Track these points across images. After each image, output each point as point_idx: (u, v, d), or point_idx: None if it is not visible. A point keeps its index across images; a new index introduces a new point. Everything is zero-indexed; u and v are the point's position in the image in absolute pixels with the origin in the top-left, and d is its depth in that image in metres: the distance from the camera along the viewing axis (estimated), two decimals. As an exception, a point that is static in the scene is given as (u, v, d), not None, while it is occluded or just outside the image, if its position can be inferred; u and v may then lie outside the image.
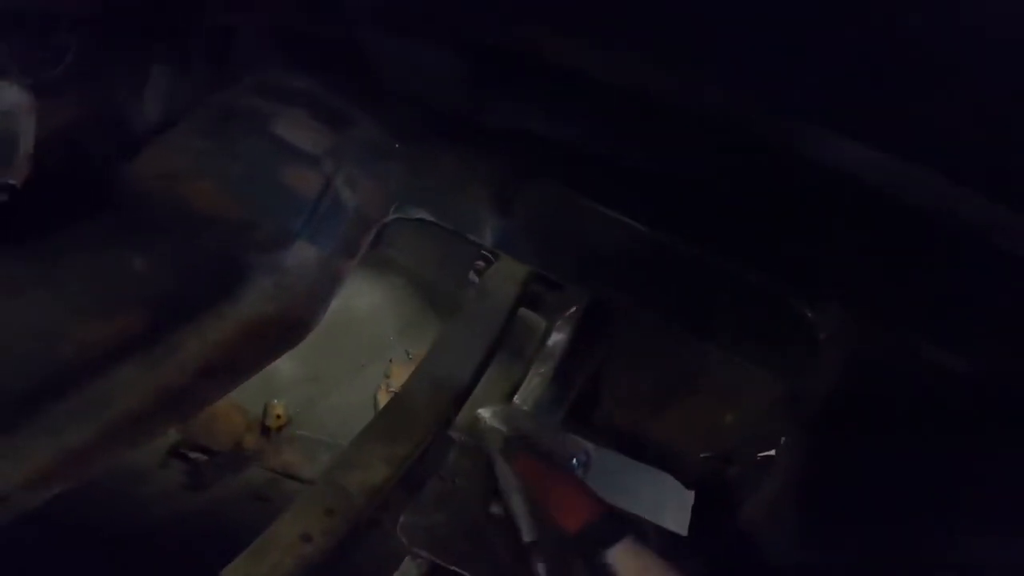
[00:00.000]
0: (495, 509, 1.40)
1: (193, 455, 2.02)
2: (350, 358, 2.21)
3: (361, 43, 1.38)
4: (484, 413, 1.57)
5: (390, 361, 2.26)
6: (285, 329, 1.50)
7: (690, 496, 1.62)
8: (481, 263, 1.89)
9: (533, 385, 1.67)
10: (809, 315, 1.44)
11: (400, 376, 2.22)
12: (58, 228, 1.35)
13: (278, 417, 2.10)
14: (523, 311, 1.89)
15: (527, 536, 1.33)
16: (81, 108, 1.52)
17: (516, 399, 1.66)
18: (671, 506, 1.60)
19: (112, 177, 1.43)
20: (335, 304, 1.62)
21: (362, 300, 2.24)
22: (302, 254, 1.51)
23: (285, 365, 2.03)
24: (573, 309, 1.74)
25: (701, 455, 1.83)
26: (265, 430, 2.09)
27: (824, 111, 1.01)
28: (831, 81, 0.96)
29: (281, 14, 1.46)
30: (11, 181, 1.27)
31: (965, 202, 1.01)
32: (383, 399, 2.17)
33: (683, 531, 1.51)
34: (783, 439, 1.51)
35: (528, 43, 1.16)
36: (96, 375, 1.27)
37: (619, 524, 1.27)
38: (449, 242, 1.72)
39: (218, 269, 1.42)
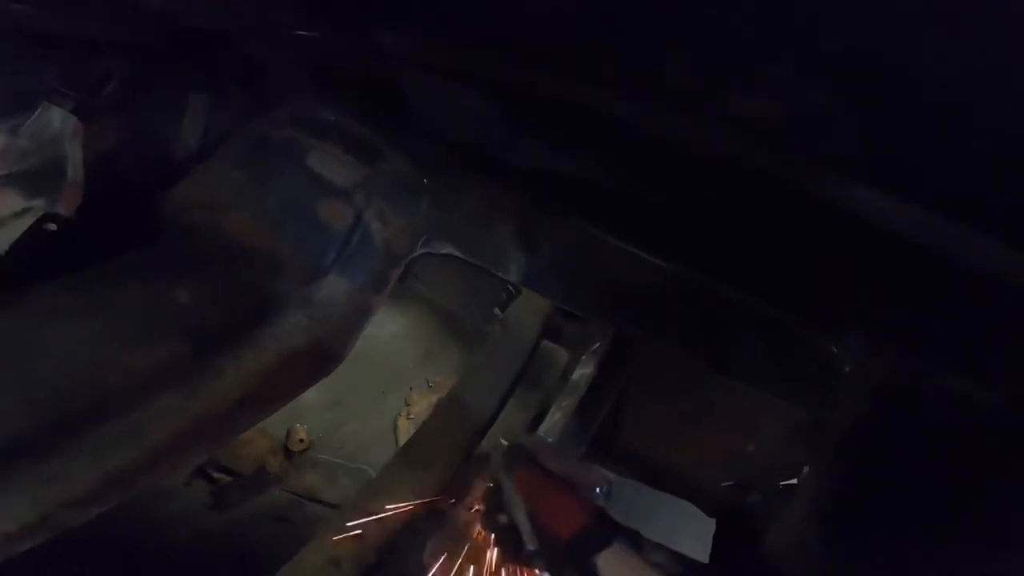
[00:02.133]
0: (501, 519, 1.43)
1: (217, 476, 2.06)
2: (372, 385, 2.25)
3: (395, 81, 1.41)
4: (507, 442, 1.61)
5: (410, 389, 2.30)
6: (317, 360, 1.54)
7: (711, 524, 1.65)
8: (503, 296, 1.92)
9: (556, 418, 1.71)
10: (834, 349, 1.47)
11: (420, 404, 2.27)
12: (105, 256, 1.40)
13: (301, 441, 2.14)
14: (545, 343, 1.93)
15: (529, 545, 1.37)
16: (122, 134, 1.57)
17: (540, 431, 1.69)
18: (692, 534, 1.63)
19: (156, 206, 1.48)
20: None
21: (384, 329, 2.28)
22: (333, 287, 1.56)
23: (308, 391, 2.07)
24: (597, 344, 1.78)
25: (722, 484, 1.85)
26: (288, 453, 2.13)
27: (845, 160, 1.04)
28: (855, 132, 1.00)
29: (317, 53, 1.50)
30: (60, 212, 1.32)
31: (988, 248, 1.04)
32: (403, 426, 2.21)
33: (704, 559, 1.54)
34: (805, 468, 1.53)
35: (560, 88, 1.20)
36: (139, 401, 1.32)
37: (609, 530, 1.30)
38: (471, 274, 1.76)
39: (256, 301, 1.46)
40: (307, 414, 2.16)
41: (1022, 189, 0.93)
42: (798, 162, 1.10)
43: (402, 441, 2.20)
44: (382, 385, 2.26)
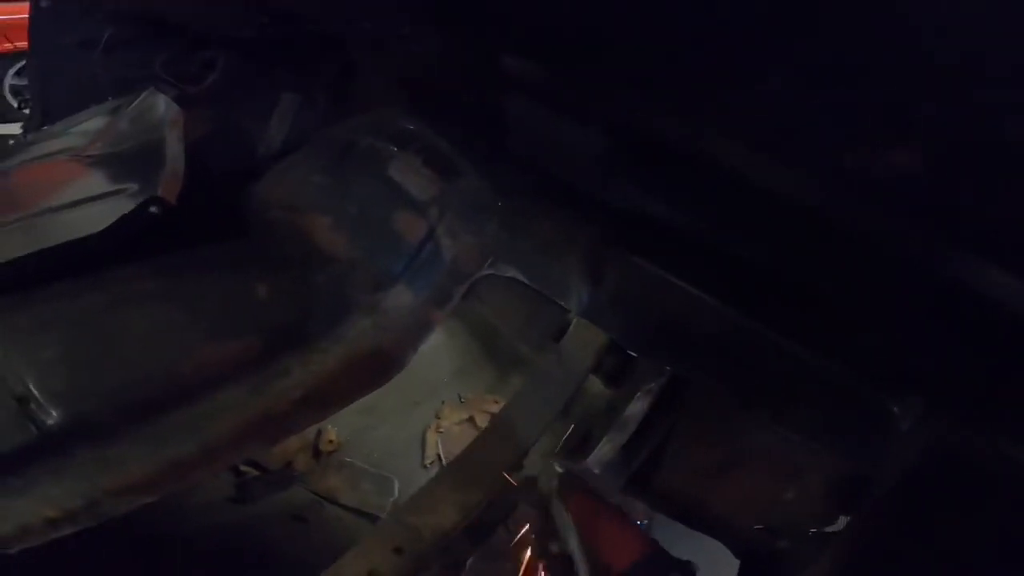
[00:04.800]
0: (553, 548, 1.43)
1: (244, 468, 2.05)
2: (404, 394, 2.25)
3: (501, 106, 1.42)
4: (555, 466, 1.61)
5: (443, 402, 2.30)
6: (378, 367, 1.55)
7: (735, 565, 1.66)
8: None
9: (606, 450, 1.71)
10: (894, 409, 1.47)
11: (450, 418, 2.27)
12: (187, 243, 1.40)
13: (330, 442, 2.13)
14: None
15: (582, 575, 1.36)
16: (214, 125, 1.58)
17: (588, 462, 1.70)
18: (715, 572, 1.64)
19: (240, 200, 1.48)
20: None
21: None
22: (400, 298, 1.56)
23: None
24: (652, 384, 1.79)
25: (754, 527, 1.85)
26: (317, 453, 2.12)
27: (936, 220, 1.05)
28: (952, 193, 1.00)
29: (427, 65, 1.51)
30: (162, 196, 1.32)
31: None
32: (431, 438, 2.21)
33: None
34: (841, 519, 1.53)
35: (668, 132, 1.21)
36: (206, 393, 1.32)
37: (665, 563, 1.30)
38: (531, 300, 1.77)
39: (327, 304, 1.47)
40: (338, 416, 2.15)
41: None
42: (898, 223, 1.11)
43: (429, 453, 2.20)
44: (415, 396, 2.26)
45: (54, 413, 1.21)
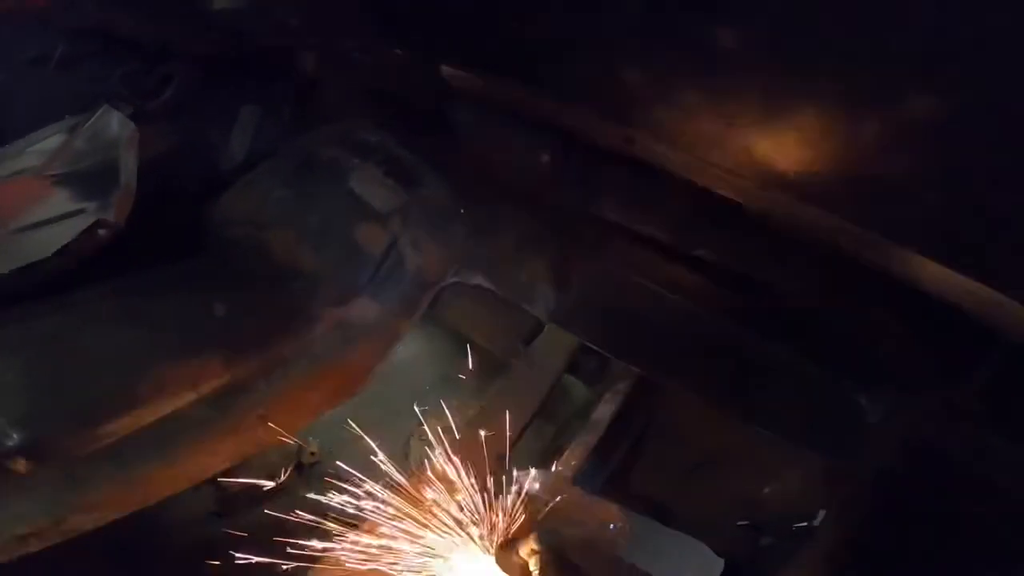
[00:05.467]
0: None
1: (225, 483, 2.05)
2: (387, 404, 2.24)
3: (448, 110, 1.43)
4: (528, 476, 1.60)
5: (425, 411, 2.29)
6: (344, 381, 1.56)
7: (719, 563, 1.65)
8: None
9: (576, 454, 1.71)
10: (862, 401, 1.48)
11: (432, 427, 2.26)
12: (150, 260, 1.41)
13: (312, 454, 2.13)
14: (566, 378, 1.93)
15: None
16: (173, 139, 1.59)
17: (558, 466, 1.70)
18: (699, 572, 1.63)
19: (201, 216, 1.49)
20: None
21: (403, 349, 2.28)
22: (365, 310, 1.57)
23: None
24: (621, 384, 1.79)
25: (736, 524, 1.84)
26: (299, 466, 2.12)
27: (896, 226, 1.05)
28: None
29: (374, 75, 1.52)
30: (113, 220, 1.33)
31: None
32: (415, 447, 2.20)
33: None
34: (822, 513, 1.53)
35: (624, 141, 1.21)
36: (168, 411, 1.33)
37: None
38: (498, 306, 1.77)
39: (290, 319, 1.47)
40: (320, 428, 2.15)
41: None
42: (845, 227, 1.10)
43: (413, 462, 2.19)
44: (397, 405, 2.25)
45: (15, 436, 1.22)
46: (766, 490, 1.79)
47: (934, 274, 1.02)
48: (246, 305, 1.42)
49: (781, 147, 0.99)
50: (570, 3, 0.99)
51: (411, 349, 2.35)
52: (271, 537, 2.09)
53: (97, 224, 1.34)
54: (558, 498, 1.54)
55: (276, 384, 1.43)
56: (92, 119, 1.47)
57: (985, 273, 0.94)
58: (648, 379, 1.76)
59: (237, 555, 1.99)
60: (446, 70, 1.19)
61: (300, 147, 1.64)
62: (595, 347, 1.72)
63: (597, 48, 1.00)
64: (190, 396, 1.34)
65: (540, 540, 1.40)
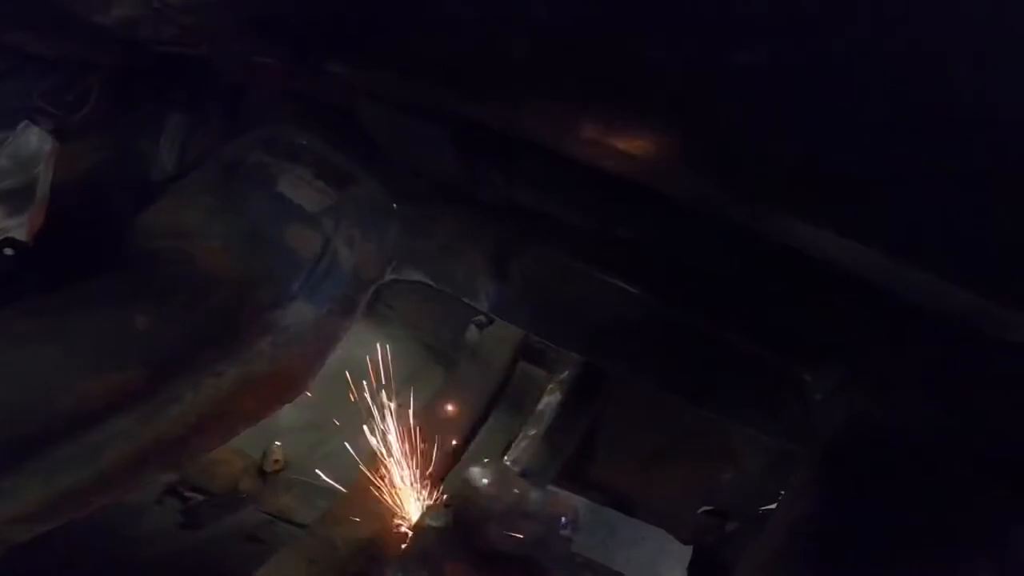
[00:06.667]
0: None
1: (189, 495, 2.05)
2: (350, 407, 2.24)
3: (354, 109, 1.41)
4: (474, 472, 1.59)
5: (391, 413, 2.28)
6: (280, 386, 1.54)
7: (687, 552, 1.64)
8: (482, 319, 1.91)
9: (523, 446, 1.70)
10: (807, 378, 1.45)
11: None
12: (69, 281, 1.40)
13: (276, 461, 2.12)
14: (524, 366, 1.92)
15: None
16: (100, 154, 1.58)
17: (507, 459, 1.68)
18: (668, 563, 1.62)
19: (124, 233, 1.48)
20: (338, 353, 1.66)
21: (366, 351, 2.27)
22: (300, 314, 1.56)
23: (286, 411, 2.06)
24: (564, 374, 1.77)
25: (699, 511, 1.83)
26: (262, 474, 2.12)
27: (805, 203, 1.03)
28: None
29: (282, 79, 1.50)
30: (20, 238, 1.32)
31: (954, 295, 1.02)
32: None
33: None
34: (781, 495, 1.51)
35: (511, 124, 1.19)
36: (92, 425, 1.32)
37: None
38: (442, 302, 1.75)
39: (218, 328, 1.46)
40: (284, 435, 2.15)
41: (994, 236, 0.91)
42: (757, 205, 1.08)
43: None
44: (361, 407, 2.24)
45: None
46: (725, 475, 1.78)
47: (821, 240, 1.00)
48: (168, 317, 1.41)
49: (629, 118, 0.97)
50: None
51: (374, 351, 2.34)
52: (238, 545, 2.10)
53: (3, 243, 1.33)
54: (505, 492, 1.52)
55: (208, 393, 1.41)
56: (13, 136, 1.47)
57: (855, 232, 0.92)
58: (593, 366, 1.75)
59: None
60: (332, 67, 1.18)
61: (226, 154, 1.63)
62: (538, 336, 1.70)
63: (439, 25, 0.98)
64: (113, 411, 1.32)
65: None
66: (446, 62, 1.05)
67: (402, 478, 1.74)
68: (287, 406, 1.66)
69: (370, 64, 1.13)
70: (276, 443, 2.16)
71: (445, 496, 1.58)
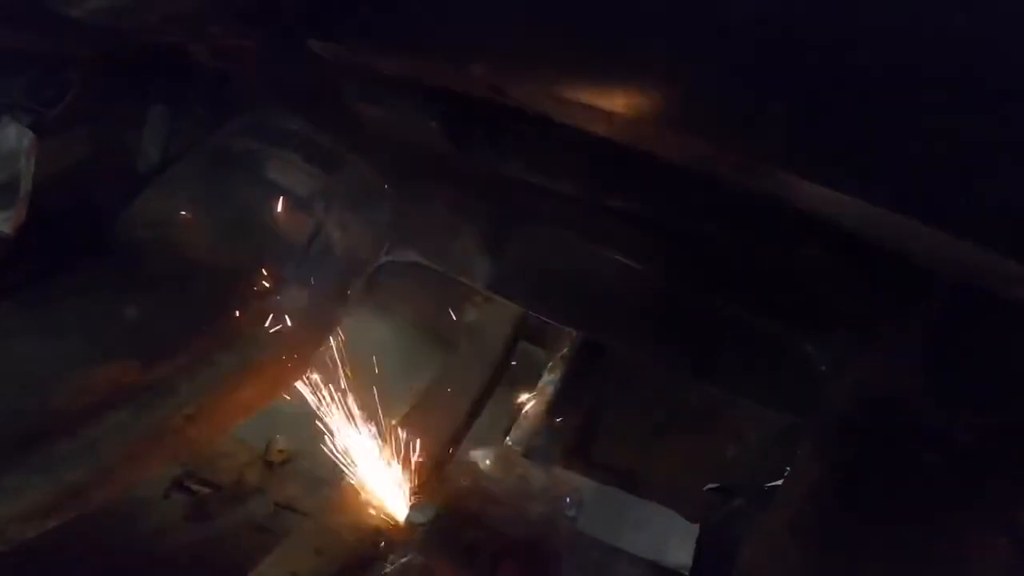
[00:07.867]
0: None
1: (196, 488, 2.04)
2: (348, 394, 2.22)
3: (339, 89, 1.38)
4: (477, 455, 1.58)
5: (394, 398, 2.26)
6: (278, 373, 1.53)
7: (694, 530, 1.62)
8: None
9: (524, 426, 1.67)
10: (810, 349, 1.44)
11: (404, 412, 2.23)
12: (57, 274, 1.39)
13: (280, 452, 2.11)
14: (526, 345, 1.89)
15: None
16: (84, 147, 1.56)
17: (508, 440, 1.66)
18: (676, 542, 1.60)
19: (110, 225, 1.46)
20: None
21: (367, 337, 2.25)
22: (294, 299, 1.54)
23: (290, 401, 2.05)
24: (564, 351, 1.75)
25: (704, 487, 1.81)
26: (268, 464, 2.10)
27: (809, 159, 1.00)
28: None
29: (265, 62, 1.47)
30: (7, 232, 1.31)
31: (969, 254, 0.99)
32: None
33: (688, 564, 1.51)
34: (787, 470, 1.49)
35: (497, 92, 1.16)
36: (89, 419, 1.31)
37: None
38: (438, 282, 1.73)
39: (211, 316, 1.45)
40: (288, 425, 2.13)
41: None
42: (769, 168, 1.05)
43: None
44: (364, 395, 2.22)
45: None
46: (730, 452, 1.76)
47: (826, 199, 0.96)
48: (158, 307, 1.40)
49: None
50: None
51: (375, 337, 2.32)
52: (246, 537, 2.09)
53: (-16, 237, 1.32)
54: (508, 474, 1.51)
55: (203, 383, 1.40)
56: (-5, 133, 1.45)
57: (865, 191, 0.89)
58: (592, 343, 1.72)
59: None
60: (315, 45, 1.15)
61: (212, 142, 1.61)
62: (535, 313, 1.68)
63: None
64: (109, 404, 1.31)
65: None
66: (430, 29, 1.02)
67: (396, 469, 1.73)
68: (287, 395, 1.65)
69: (351, 39, 1.10)
70: (279, 435, 2.15)
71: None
